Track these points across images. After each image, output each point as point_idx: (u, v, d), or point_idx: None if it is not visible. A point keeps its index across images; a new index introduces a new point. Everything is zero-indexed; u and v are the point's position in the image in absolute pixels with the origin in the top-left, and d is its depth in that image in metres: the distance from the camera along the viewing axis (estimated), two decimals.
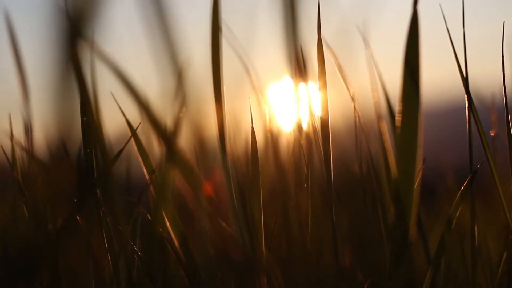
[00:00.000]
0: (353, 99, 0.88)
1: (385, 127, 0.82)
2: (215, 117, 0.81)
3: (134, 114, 0.93)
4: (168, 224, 0.89)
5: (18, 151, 0.98)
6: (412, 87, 0.75)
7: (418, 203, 0.79)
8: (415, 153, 0.77)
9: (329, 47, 0.87)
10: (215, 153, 0.81)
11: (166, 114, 0.72)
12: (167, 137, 0.73)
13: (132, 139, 0.92)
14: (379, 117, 0.82)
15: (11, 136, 0.99)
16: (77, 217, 0.82)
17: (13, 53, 0.93)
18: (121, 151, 0.94)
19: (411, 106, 0.76)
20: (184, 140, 0.74)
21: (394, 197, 0.79)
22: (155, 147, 0.93)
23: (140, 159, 0.92)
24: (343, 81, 0.86)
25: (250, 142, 0.90)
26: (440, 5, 0.87)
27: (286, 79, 0.79)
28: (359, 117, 0.88)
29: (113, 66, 0.74)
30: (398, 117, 0.77)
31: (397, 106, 0.77)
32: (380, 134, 0.82)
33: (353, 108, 0.89)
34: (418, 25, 0.74)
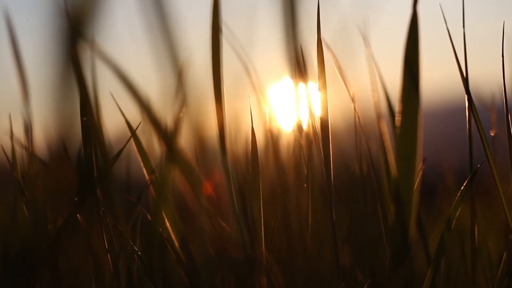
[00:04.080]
0: (353, 99, 0.88)
1: (385, 127, 0.82)
2: (215, 117, 0.81)
3: (134, 114, 0.93)
4: (168, 224, 0.89)
5: (18, 151, 0.98)
6: (412, 87, 0.75)
7: (418, 203, 0.79)
8: (415, 153, 0.77)
9: (329, 47, 0.87)
10: (215, 153, 0.81)
11: (166, 113, 0.72)
12: (168, 137, 0.73)
13: (132, 139, 0.92)
14: (379, 117, 0.82)
15: (11, 136, 0.99)
16: (77, 217, 0.82)
17: (13, 53, 0.93)
18: (121, 151, 0.94)
19: (411, 106, 0.76)
20: (184, 140, 0.74)
21: (394, 197, 0.79)
22: (155, 147, 0.93)
23: (139, 159, 0.92)
24: (342, 81, 0.86)
25: (250, 142, 0.90)
26: (440, 5, 0.87)
27: (286, 79, 0.79)
28: (359, 117, 0.88)
29: (114, 66, 0.74)
30: (398, 117, 0.77)
31: (397, 106, 0.77)
32: (380, 134, 0.82)
33: (353, 108, 0.88)
34: (418, 25, 0.74)
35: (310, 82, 0.81)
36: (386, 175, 0.85)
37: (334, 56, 0.87)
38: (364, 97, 0.86)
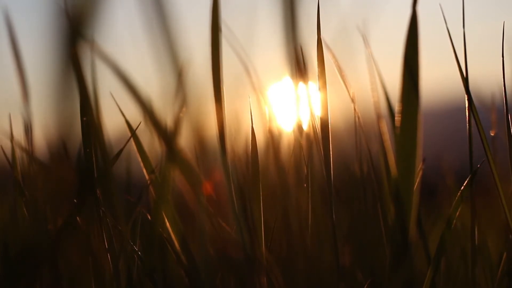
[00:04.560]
0: (353, 99, 0.88)
1: (385, 127, 0.82)
2: (215, 117, 0.81)
3: (134, 114, 0.93)
4: (168, 224, 0.89)
5: (18, 152, 0.98)
6: (411, 87, 0.75)
7: (418, 203, 0.79)
8: (414, 153, 0.77)
9: (328, 47, 0.87)
10: (215, 153, 0.81)
11: (166, 113, 0.72)
12: (168, 136, 0.73)
13: (132, 139, 0.92)
14: (379, 117, 0.82)
15: (11, 137, 0.99)
16: (77, 217, 0.82)
17: (13, 53, 0.93)
18: (121, 151, 0.94)
19: (411, 106, 0.76)
20: (184, 140, 0.74)
21: (394, 197, 0.79)
22: (155, 146, 0.93)
23: (139, 159, 0.92)
24: (342, 81, 0.86)
25: (250, 142, 0.90)
26: (440, 5, 0.87)
27: (286, 79, 0.79)
28: (359, 117, 0.88)
29: (114, 66, 0.74)
30: (397, 117, 0.77)
31: (396, 106, 0.77)
32: (380, 134, 0.82)
33: (353, 108, 0.88)
34: (417, 25, 0.74)
35: (310, 82, 0.81)
36: (386, 175, 0.85)
37: (334, 56, 0.87)
38: (364, 97, 0.86)
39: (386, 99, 0.97)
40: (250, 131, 0.90)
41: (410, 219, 0.78)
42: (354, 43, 0.81)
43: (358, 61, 0.84)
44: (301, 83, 0.79)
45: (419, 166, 0.79)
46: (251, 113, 0.90)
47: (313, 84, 0.82)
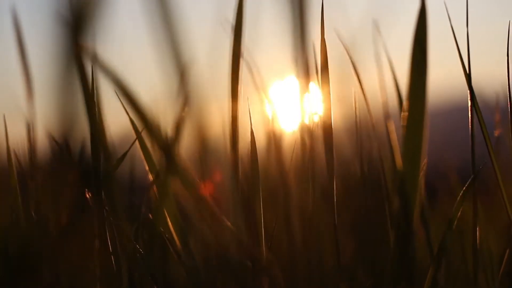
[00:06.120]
0: (364, 97, 0.87)
1: (392, 125, 0.82)
2: (229, 117, 0.81)
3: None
4: (170, 224, 0.88)
5: (19, 151, 0.97)
6: (419, 84, 0.75)
7: (421, 197, 0.79)
8: (420, 150, 0.77)
9: (343, 45, 0.87)
10: (217, 155, 0.81)
11: (167, 118, 0.72)
12: (167, 147, 0.72)
13: (135, 138, 0.92)
14: (386, 115, 0.82)
15: (12, 136, 0.98)
16: (79, 217, 0.82)
17: (19, 53, 0.93)
18: (125, 153, 0.94)
19: (418, 104, 0.76)
20: (186, 143, 0.74)
21: (398, 192, 0.78)
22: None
23: (143, 158, 0.92)
24: (357, 79, 0.86)
25: (250, 141, 0.90)
26: (445, 4, 0.87)
27: (290, 78, 0.79)
28: (370, 116, 0.87)
29: (112, 75, 0.72)
30: (404, 115, 0.77)
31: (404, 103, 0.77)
32: (388, 133, 0.82)
33: (361, 107, 0.88)
34: (426, 21, 0.73)
35: (315, 81, 0.81)
36: (392, 173, 0.85)
37: (348, 54, 0.86)
38: (373, 95, 0.86)
39: (398, 96, 0.97)
40: (250, 131, 0.90)
41: (414, 213, 0.78)
42: (362, 42, 0.81)
43: (367, 60, 0.84)
44: (306, 82, 0.79)
45: (423, 165, 0.79)
46: (249, 113, 0.90)
47: (317, 82, 0.83)
